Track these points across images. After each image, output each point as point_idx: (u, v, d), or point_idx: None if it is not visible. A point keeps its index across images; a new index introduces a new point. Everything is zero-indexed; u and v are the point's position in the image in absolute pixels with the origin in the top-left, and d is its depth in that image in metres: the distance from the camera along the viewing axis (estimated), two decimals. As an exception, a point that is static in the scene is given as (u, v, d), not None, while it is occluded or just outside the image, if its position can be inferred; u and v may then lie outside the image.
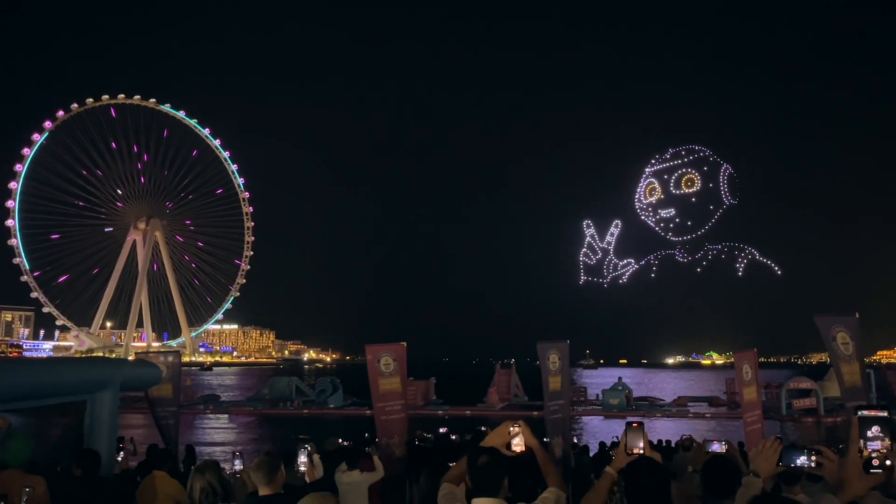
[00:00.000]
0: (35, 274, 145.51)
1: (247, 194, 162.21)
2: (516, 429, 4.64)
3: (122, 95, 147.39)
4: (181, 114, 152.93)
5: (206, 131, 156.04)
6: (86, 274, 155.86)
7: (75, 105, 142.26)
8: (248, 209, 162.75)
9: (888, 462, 3.49)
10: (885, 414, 3.64)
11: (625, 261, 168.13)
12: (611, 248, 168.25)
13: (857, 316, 12.76)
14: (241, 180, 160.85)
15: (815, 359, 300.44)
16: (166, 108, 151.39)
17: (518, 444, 4.59)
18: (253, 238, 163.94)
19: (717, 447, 9.15)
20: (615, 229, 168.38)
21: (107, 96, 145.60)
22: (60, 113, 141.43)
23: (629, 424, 4.28)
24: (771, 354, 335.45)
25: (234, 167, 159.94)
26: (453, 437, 16.38)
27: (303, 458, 8.67)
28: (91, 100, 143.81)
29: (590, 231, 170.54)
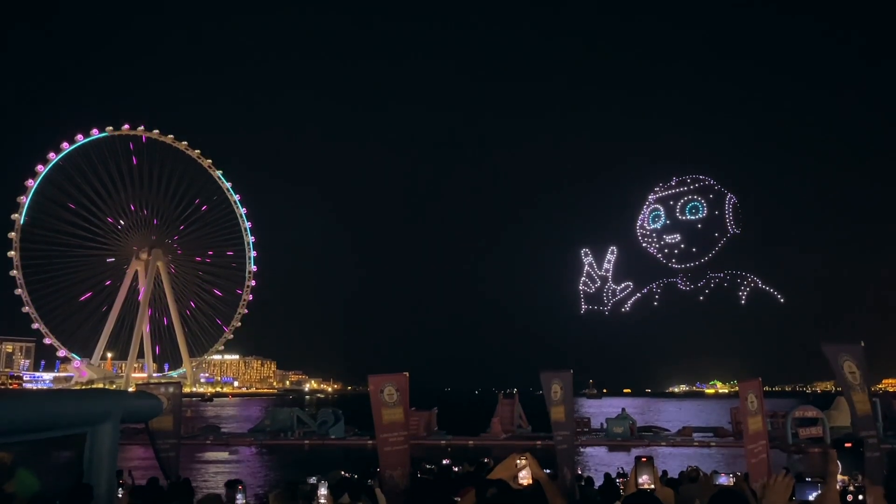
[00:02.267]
0: (36, 305, 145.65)
1: (249, 224, 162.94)
2: (523, 461, 4.61)
3: (127, 126, 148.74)
4: (184, 144, 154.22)
5: (209, 162, 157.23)
6: (87, 304, 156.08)
7: (80, 136, 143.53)
8: (250, 239, 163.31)
9: (861, 497, 3.48)
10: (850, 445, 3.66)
11: (623, 284, 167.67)
12: (609, 275, 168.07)
13: (863, 345, 12.69)
14: (243, 210, 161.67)
15: (821, 387, 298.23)
16: (168, 138, 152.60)
17: (525, 477, 4.56)
18: (255, 268, 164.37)
19: (725, 479, 9.06)
20: (612, 255, 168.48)
21: (111, 128, 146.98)
22: (64, 145, 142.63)
23: (638, 459, 4.26)
24: (776, 383, 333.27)
25: (236, 197, 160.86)
26: (456, 469, 16.21)
27: (323, 491, 8.82)
28: (96, 130, 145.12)
29: (588, 259, 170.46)
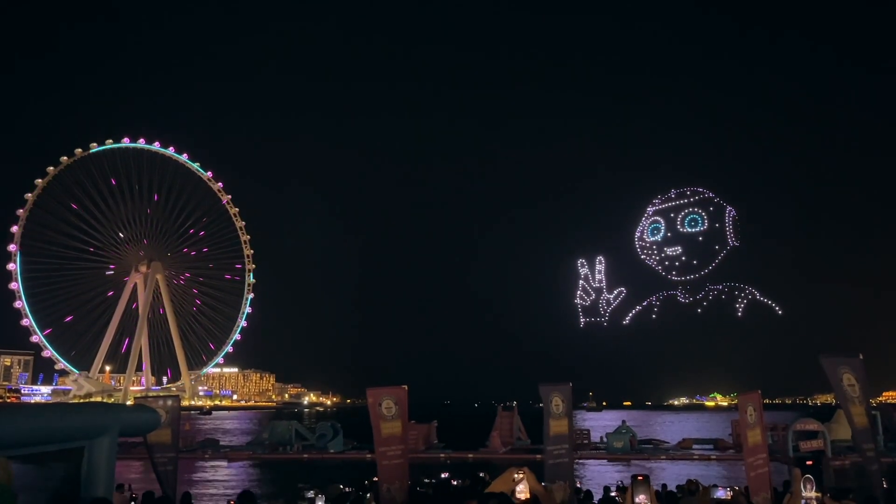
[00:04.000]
0: (35, 317, 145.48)
1: (248, 237, 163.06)
2: (520, 475, 4.63)
3: (127, 139, 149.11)
4: (184, 157, 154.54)
5: (209, 174, 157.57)
6: (86, 317, 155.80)
7: (79, 150, 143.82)
8: (249, 252, 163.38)
9: None
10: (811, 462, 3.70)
11: (616, 291, 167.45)
12: (603, 285, 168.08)
13: (862, 357, 12.66)
14: (242, 223, 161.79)
15: (821, 400, 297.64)
16: (169, 151, 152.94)
17: (522, 492, 4.58)
18: (254, 280, 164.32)
19: (723, 493, 9.00)
20: (601, 265, 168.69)
21: (110, 141, 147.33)
22: (63, 158, 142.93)
23: (635, 478, 4.31)
24: (777, 395, 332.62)
25: (235, 210, 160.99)
26: (455, 483, 16.18)
27: None
28: (94, 144, 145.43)
29: (584, 270, 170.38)
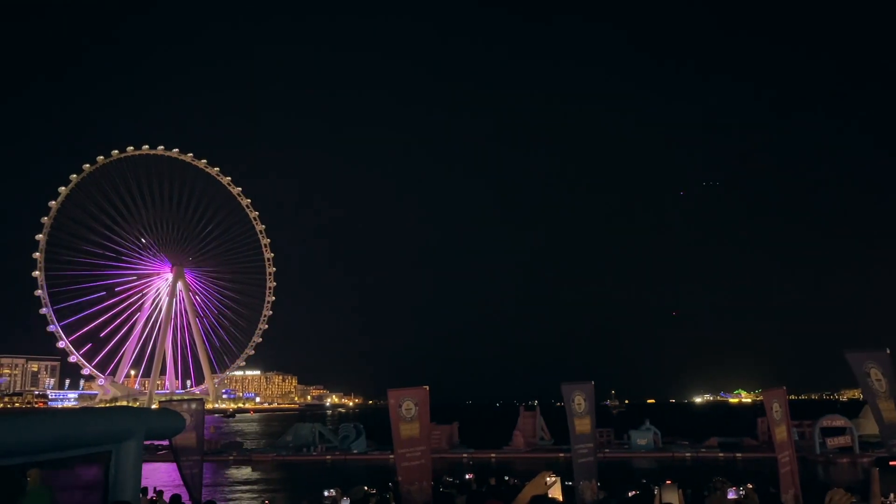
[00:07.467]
0: (61, 323, 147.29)
1: (269, 240, 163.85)
2: (552, 479, 4.64)
3: (147, 146, 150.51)
4: (203, 162, 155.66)
5: (228, 178, 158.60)
6: (111, 322, 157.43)
7: (101, 157, 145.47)
8: (269, 255, 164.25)
9: None
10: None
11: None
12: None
13: (889, 352, 12.44)
14: (262, 226, 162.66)
15: (847, 395, 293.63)
16: (189, 157, 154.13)
17: (553, 494, 4.58)
18: (275, 284, 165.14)
19: (733, 494, 8.76)
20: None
21: (131, 147, 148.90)
22: (86, 165, 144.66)
23: (663, 482, 4.29)
24: (803, 391, 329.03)
25: (255, 213, 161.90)
26: (492, 482, 16.16)
27: None
28: (116, 151, 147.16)
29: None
